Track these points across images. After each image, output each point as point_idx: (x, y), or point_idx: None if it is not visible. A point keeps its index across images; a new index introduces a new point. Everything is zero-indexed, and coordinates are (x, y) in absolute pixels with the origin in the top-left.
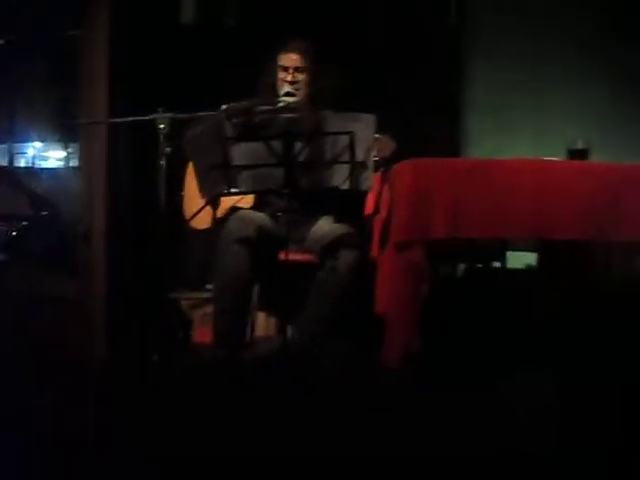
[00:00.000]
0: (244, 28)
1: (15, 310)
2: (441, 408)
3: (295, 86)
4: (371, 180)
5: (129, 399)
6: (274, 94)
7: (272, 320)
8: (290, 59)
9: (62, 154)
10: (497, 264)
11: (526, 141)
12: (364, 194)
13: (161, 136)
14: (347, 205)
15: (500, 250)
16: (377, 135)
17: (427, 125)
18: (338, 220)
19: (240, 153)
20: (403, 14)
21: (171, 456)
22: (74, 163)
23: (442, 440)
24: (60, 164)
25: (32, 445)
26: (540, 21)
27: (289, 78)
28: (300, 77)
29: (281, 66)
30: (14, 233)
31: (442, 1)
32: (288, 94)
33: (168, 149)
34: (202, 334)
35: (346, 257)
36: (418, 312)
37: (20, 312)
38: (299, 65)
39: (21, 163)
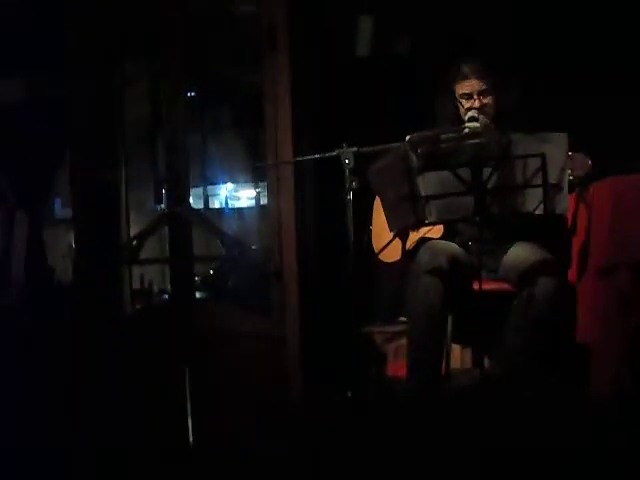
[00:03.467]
0: (420, 57)
1: (211, 346)
2: None
3: (484, 109)
4: (567, 203)
5: (324, 435)
6: (458, 118)
7: (468, 352)
8: (471, 85)
9: (253, 193)
10: None
11: None
12: (560, 218)
13: (347, 171)
14: (543, 230)
15: None
16: (570, 153)
17: (625, 140)
18: (534, 246)
19: (427, 183)
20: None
21: None
22: (264, 201)
23: None
24: (252, 203)
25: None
26: None
27: (477, 104)
28: (485, 100)
29: (463, 94)
30: (211, 272)
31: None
32: (472, 119)
33: (354, 184)
34: (396, 368)
35: (544, 284)
36: (628, 341)
37: (217, 349)
38: (482, 88)
39: (215, 204)
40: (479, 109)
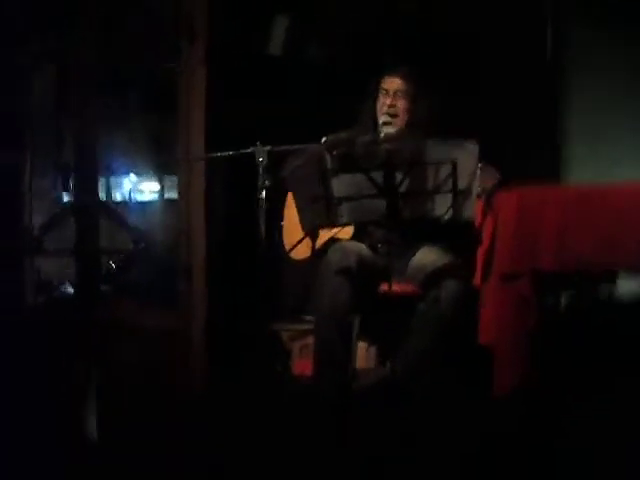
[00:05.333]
0: (339, 57)
1: (114, 341)
2: (552, 441)
3: (393, 110)
4: (474, 209)
5: (228, 432)
6: (374, 121)
7: (372, 352)
8: (393, 82)
9: (157, 187)
10: (606, 293)
11: (630, 168)
12: (467, 223)
13: (260, 169)
14: (450, 235)
15: (609, 278)
16: (480, 165)
17: (528, 152)
18: (440, 250)
19: (341, 184)
20: (502, 48)
21: None
22: (169, 195)
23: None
24: (155, 196)
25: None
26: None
27: (388, 101)
28: (399, 102)
29: (383, 89)
30: (114, 266)
31: (539, 35)
32: (386, 124)
33: (267, 182)
34: (301, 366)
35: (449, 288)
36: (526, 344)
37: (120, 343)
38: (400, 89)
39: (117, 197)
40: (389, 107)
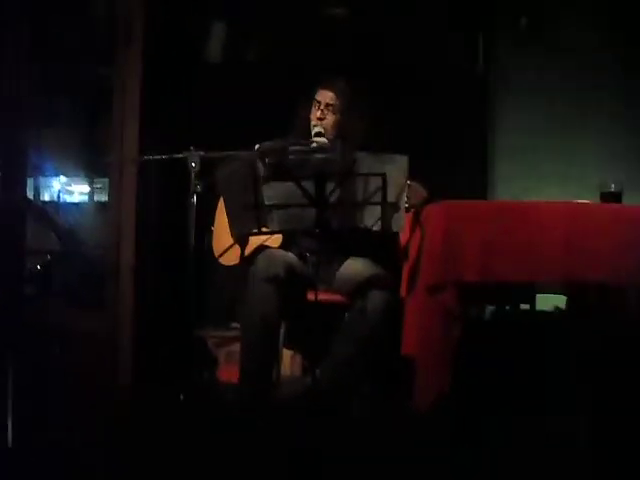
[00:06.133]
0: (274, 64)
1: (40, 343)
2: (472, 453)
3: (321, 122)
4: (403, 221)
5: (149, 437)
6: (307, 130)
7: (298, 360)
8: (324, 95)
9: (87, 188)
10: (526, 306)
11: (553, 186)
12: (395, 235)
13: (192, 174)
14: (378, 246)
15: (529, 292)
16: (409, 182)
17: (454, 169)
18: (368, 261)
19: (272, 192)
20: (433, 61)
21: None
22: (98, 198)
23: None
24: (85, 198)
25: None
26: (571, 63)
27: (318, 114)
28: (329, 116)
29: (316, 100)
30: (38, 267)
31: (470, 48)
32: (318, 134)
33: (199, 187)
34: (227, 372)
35: (376, 298)
36: (450, 355)
37: (45, 345)
38: (331, 103)
39: (46, 197)
40: (319, 119)
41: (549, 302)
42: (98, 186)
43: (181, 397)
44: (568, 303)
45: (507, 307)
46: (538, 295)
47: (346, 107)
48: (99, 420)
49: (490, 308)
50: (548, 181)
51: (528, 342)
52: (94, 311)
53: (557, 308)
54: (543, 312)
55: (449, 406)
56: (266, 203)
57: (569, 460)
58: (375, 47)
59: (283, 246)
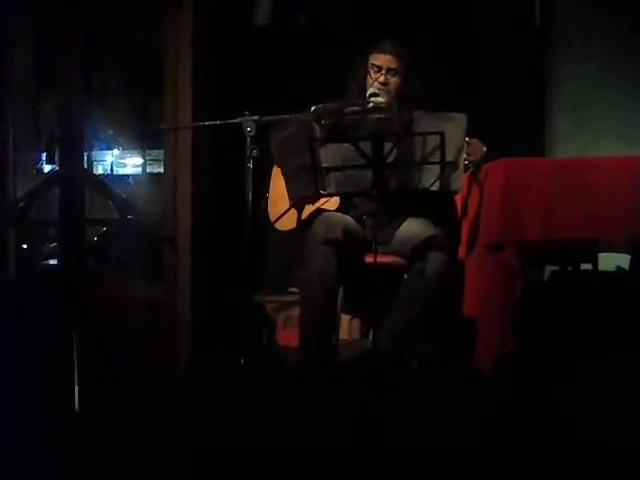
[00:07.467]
0: (330, 27)
1: (101, 312)
2: (533, 410)
3: (386, 88)
4: (461, 180)
5: (213, 401)
6: (362, 93)
7: (356, 323)
8: (384, 59)
9: (139, 161)
10: (587, 266)
11: (614, 142)
12: (454, 195)
13: (248, 139)
14: (437, 206)
15: (591, 252)
16: (468, 139)
17: (513, 125)
18: (426, 222)
19: (328, 155)
20: (489, 16)
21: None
22: (151, 170)
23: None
24: (138, 171)
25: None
26: (636, 12)
27: (381, 79)
28: (392, 79)
29: (374, 65)
30: (95, 238)
31: (527, 2)
32: (373, 94)
33: (255, 152)
34: (286, 337)
35: (435, 259)
36: (511, 314)
37: (106, 314)
38: (393, 67)
39: (99, 170)
40: (383, 84)
41: (612, 262)
42: (151, 157)
43: (242, 361)
44: (631, 262)
45: (568, 267)
46: (600, 254)
47: (406, 69)
48: (163, 385)
49: (549, 268)
50: (609, 137)
51: (590, 303)
52: (154, 280)
53: (620, 268)
54: (605, 272)
55: (511, 366)
56: (323, 165)
57: (629, 420)
58: (429, 2)
59: (340, 209)
